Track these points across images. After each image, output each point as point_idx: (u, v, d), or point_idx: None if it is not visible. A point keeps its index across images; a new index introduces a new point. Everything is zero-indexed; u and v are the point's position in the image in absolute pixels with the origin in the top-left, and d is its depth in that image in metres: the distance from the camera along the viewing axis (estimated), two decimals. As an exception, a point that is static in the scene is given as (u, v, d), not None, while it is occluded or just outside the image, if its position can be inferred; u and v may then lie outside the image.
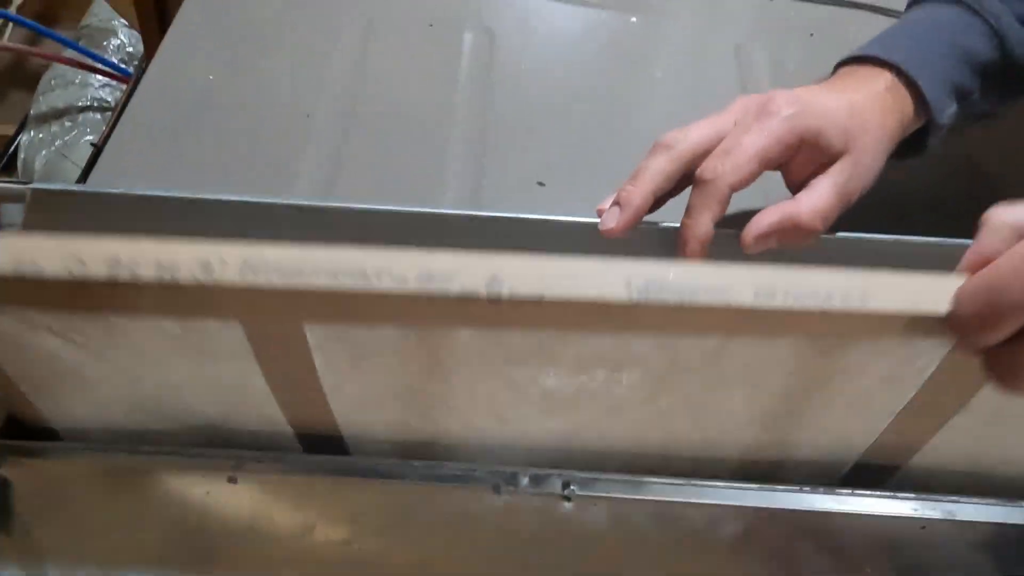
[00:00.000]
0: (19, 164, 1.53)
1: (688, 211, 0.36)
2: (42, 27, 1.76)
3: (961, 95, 0.41)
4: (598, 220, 0.36)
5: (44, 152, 1.50)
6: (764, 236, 0.35)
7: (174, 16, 0.58)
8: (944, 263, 0.28)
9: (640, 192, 0.36)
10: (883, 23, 0.49)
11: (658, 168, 0.36)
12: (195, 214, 0.37)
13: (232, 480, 0.34)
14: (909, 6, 0.45)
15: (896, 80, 0.39)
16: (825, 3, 0.63)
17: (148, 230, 0.32)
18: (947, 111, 0.40)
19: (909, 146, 0.41)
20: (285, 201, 0.37)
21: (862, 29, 0.52)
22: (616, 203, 0.36)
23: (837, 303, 0.26)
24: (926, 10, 0.43)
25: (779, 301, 0.26)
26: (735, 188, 0.35)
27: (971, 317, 0.26)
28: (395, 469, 0.35)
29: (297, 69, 0.55)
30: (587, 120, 0.53)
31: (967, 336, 0.26)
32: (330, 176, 0.48)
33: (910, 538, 0.35)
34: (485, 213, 0.38)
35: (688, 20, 0.62)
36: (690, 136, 0.37)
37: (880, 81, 0.39)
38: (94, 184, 0.46)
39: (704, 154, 0.36)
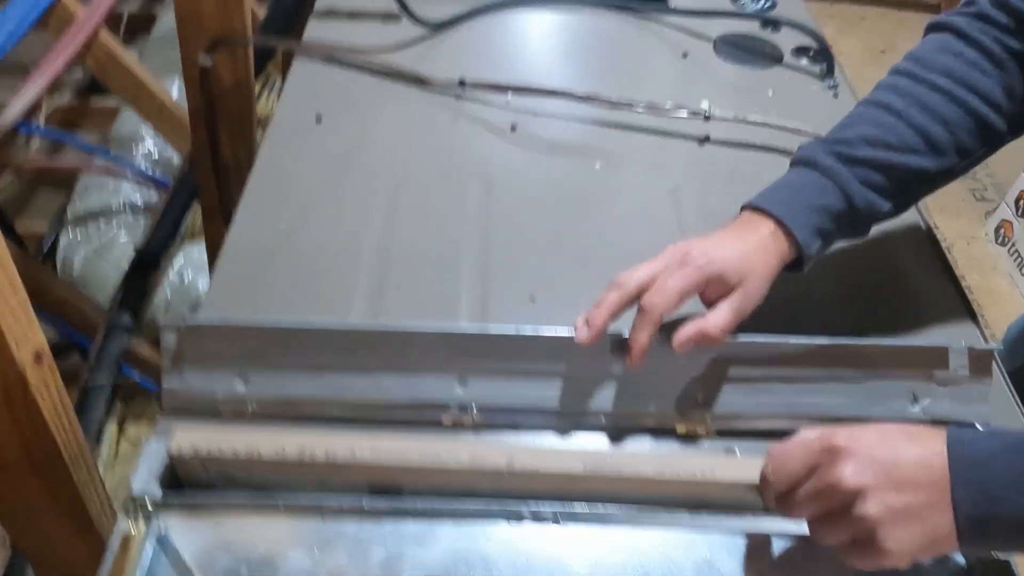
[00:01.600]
0: (58, 263, 1.70)
1: (632, 329, 0.54)
2: (72, 138, 1.95)
3: (823, 235, 0.59)
4: (573, 331, 0.55)
5: (83, 252, 1.67)
6: (685, 343, 0.54)
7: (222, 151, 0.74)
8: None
9: (601, 316, 0.55)
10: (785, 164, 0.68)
11: (613, 301, 0.55)
12: (303, 338, 0.54)
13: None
14: (791, 166, 0.63)
15: (777, 228, 0.58)
16: (743, 148, 0.83)
17: (269, 352, 0.51)
18: (813, 247, 0.58)
19: (791, 267, 0.60)
20: (355, 327, 0.55)
21: (770, 168, 0.71)
22: (585, 323, 0.55)
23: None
24: (798, 173, 0.61)
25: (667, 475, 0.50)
26: (664, 314, 0.54)
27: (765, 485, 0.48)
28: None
29: (345, 217, 0.73)
30: (564, 247, 0.72)
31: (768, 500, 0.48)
32: (374, 298, 0.66)
33: None
34: (494, 331, 0.56)
35: (637, 165, 0.81)
36: (634, 277, 0.55)
37: (765, 228, 0.58)
38: (204, 317, 0.63)
39: (643, 290, 0.55)
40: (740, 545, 0.54)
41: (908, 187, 0.60)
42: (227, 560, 0.52)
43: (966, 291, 0.71)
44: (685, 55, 0.96)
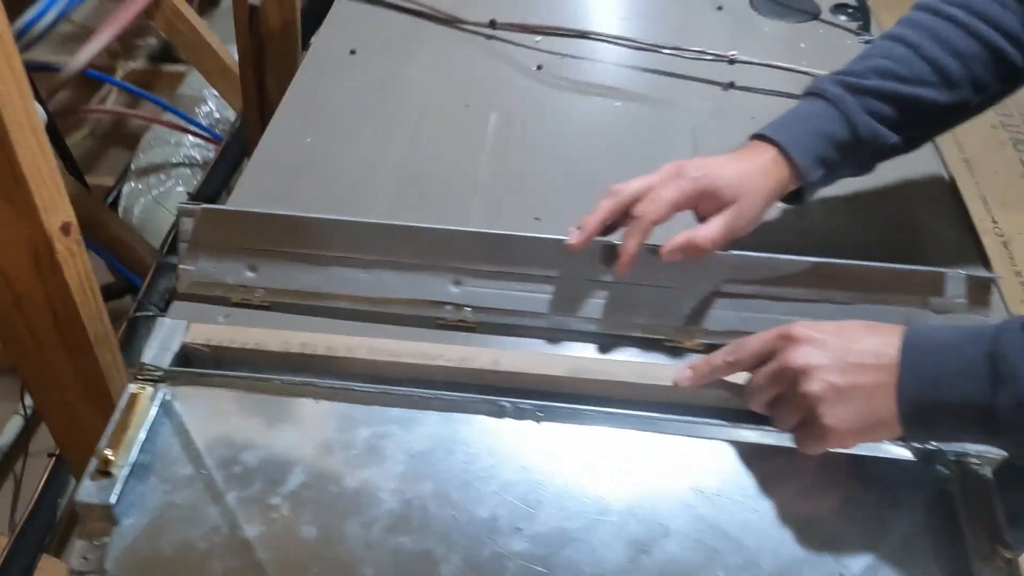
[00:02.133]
0: (120, 211, 1.79)
1: (624, 236, 0.56)
2: (144, 92, 2.05)
3: (826, 163, 0.59)
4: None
5: (143, 200, 1.76)
6: (673, 251, 0.55)
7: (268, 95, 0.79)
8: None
9: (593, 221, 0.56)
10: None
11: (606, 207, 0.56)
12: (311, 229, 0.57)
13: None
14: (801, 97, 0.63)
15: (779, 154, 0.58)
16: (768, 94, 0.83)
17: (277, 241, 0.54)
18: (815, 174, 0.59)
19: (795, 197, 0.60)
20: (366, 220, 0.58)
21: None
22: (577, 227, 0.56)
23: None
24: (805, 103, 0.62)
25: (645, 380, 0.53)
26: (655, 222, 0.55)
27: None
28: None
29: (370, 138, 0.76)
30: (575, 176, 0.73)
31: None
32: (391, 208, 0.69)
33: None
34: (488, 232, 0.58)
35: (658, 106, 0.82)
36: (629, 187, 0.57)
37: (767, 155, 0.58)
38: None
39: (637, 200, 0.56)
40: (724, 448, 0.55)
41: (918, 120, 0.60)
42: (224, 428, 0.55)
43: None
44: (720, 8, 0.96)
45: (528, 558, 0.50)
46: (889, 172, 0.71)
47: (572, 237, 0.56)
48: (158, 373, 0.56)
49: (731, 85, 0.84)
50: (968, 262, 0.67)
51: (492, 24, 0.88)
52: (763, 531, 0.52)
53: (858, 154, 0.60)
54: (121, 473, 0.51)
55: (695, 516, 0.52)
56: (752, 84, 0.84)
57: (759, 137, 0.60)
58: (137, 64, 2.50)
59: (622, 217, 0.57)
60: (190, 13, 1.69)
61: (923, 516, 0.52)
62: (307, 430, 0.55)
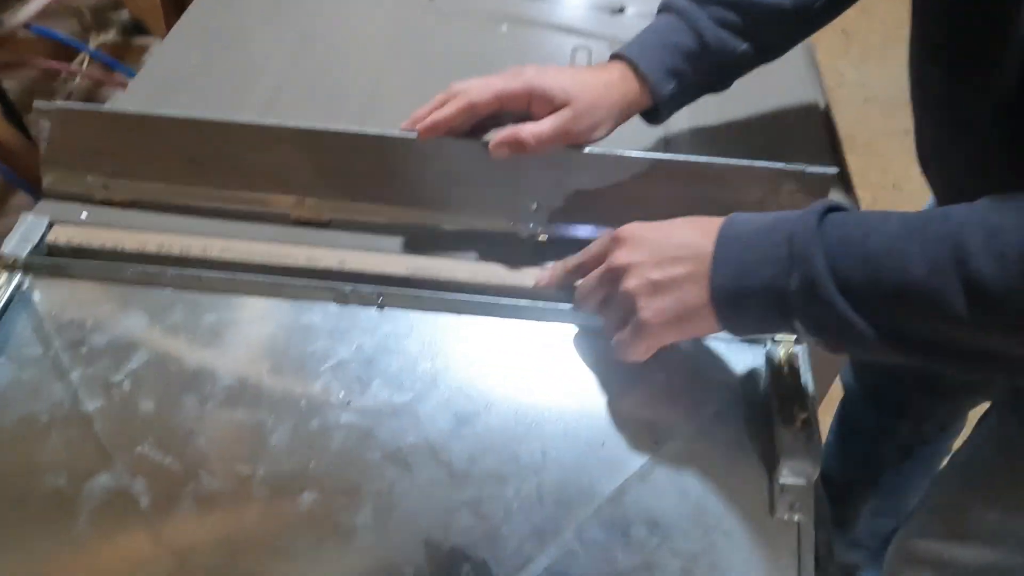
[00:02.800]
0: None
1: (441, 108, 0.57)
2: (115, 62, 2.07)
3: (677, 75, 0.59)
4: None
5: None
6: (498, 145, 0.56)
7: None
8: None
9: (425, 111, 0.58)
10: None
11: (440, 98, 0.58)
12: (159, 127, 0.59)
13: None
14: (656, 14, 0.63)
15: (627, 69, 0.59)
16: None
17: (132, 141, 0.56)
18: (666, 88, 0.59)
19: (654, 115, 0.61)
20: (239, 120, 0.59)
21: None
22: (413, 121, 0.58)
23: None
24: (657, 20, 0.62)
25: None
26: (474, 103, 0.56)
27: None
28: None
29: (255, 55, 0.78)
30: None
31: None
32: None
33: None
34: (320, 128, 0.59)
35: (544, 29, 0.83)
36: (465, 84, 0.58)
37: (615, 70, 0.59)
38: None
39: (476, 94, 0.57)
40: (552, 329, 0.57)
41: (765, 26, 0.60)
42: (76, 313, 0.58)
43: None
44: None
45: (354, 428, 0.52)
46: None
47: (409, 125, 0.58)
48: (14, 261, 0.58)
49: (621, 10, 0.85)
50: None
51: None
52: (582, 405, 0.54)
53: (709, 64, 0.60)
54: (-34, 350, 0.54)
55: (519, 391, 0.54)
56: (644, 10, 0.85)
57: (613, 57, 0.60)
58: (109, 37, 2.53)
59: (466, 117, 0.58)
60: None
61: (736, 391, 0.54)
62: (156, 315, 0.58)
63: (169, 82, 0.75)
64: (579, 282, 0.54)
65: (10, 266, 0.58)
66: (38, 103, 0.60)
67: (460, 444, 0.52)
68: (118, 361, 0.55)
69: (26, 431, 0.52)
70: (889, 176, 2.05)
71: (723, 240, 0.46)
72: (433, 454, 0.51)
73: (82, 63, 2.30)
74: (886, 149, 2.14)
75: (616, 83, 0.58)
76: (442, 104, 0.58)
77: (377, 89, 0.76)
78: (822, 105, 0.76)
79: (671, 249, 0.48)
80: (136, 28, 2.52)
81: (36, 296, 0.59)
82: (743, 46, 0.60)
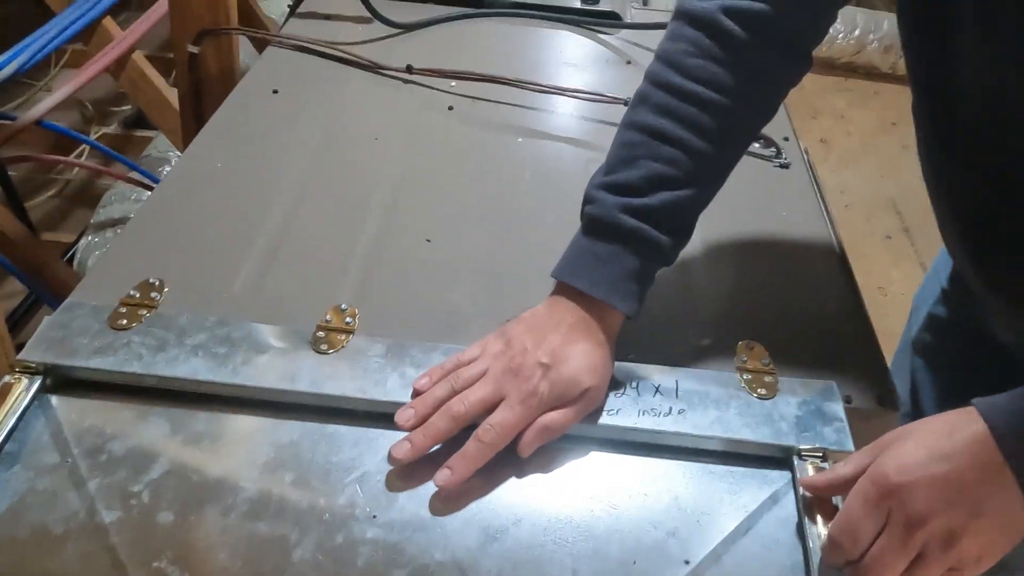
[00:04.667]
0: (75, 263, 1.81)
1: (462, 454, 0.53)
2: (114, 152, 2.11)
3: (642, 293, 0.58)
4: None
5: (97, 253, 1.78)
6: (529, 444, 0.54)
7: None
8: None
9: (426, 444, 0.54)
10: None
11: (442, 430, 0.54)
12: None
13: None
14: (590, 224, 0.58)
15: (604, 306, 0.56)
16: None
17: None
18: (635, 308, 0.57)
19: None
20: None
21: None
22: (409, 443, 0.54)
23: None
24: (604, 247, 0.57)
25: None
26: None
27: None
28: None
29: (276, 165, 0.80)
30: (467, 201, 0.77)
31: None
32: (289, 219, 0.72)
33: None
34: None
35: (557, 142, 0.87)
36: (469, 406, 0.54)
37: (593, 313, 0.56)
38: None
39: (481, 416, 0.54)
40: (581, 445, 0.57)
41: (699, 207, 0.60)
42: (95, 420, 0.57)
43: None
44: (629, 62, 1.02)
45: (380, 544, 0.51)
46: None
47: (402, 454, 0.54)
48: (35, 366, 0.58)
49: (630, 126, 0.89)
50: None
51: (408, 69, 0.94)
52: (611, 521, 0.53)
53: (667, 263, 0.60)
54: (-17, 458, 0.52)
55: (546, 506, 0.54)
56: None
57: (575, 293, 0.57)
58: (111, 129, 2.58)
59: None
60: (153, 74, 1.76)
61: (765, 508, 0.54)
62: (176, 424, 0.57)
63: (191, 190, 0.77)
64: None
65: (30, 371, 0.58)
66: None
67: (488, 562, 0.51)
68: (137, 471, 0.54)
69: (41, 542, 0.50)
70: (873, 278, 2.11)
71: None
72: (461, 573, 0.50)
73: (81, 154, 2.34)
74: (869, 252, 2.21)
75: (600, 334, 0.57)
76: (445, 435, 0.55)
77: (397, 193, 0.78)
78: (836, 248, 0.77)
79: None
80: (138, 121, 2.58)
81: (56, 401, 0.58)
82: (690, 233, 0.60)
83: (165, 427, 0.57)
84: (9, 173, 1.56)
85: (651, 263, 0.58)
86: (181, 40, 1.07)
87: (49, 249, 1.71)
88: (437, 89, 0.94)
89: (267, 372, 0.58)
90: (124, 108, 2.58)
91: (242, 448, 0.56)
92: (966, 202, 0.60)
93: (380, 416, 0.57)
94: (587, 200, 0.59)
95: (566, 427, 0.55)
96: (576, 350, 0.55)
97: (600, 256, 0.57)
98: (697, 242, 0.74)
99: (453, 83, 0.94)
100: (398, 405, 0.56)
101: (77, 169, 2.34)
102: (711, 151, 0.57)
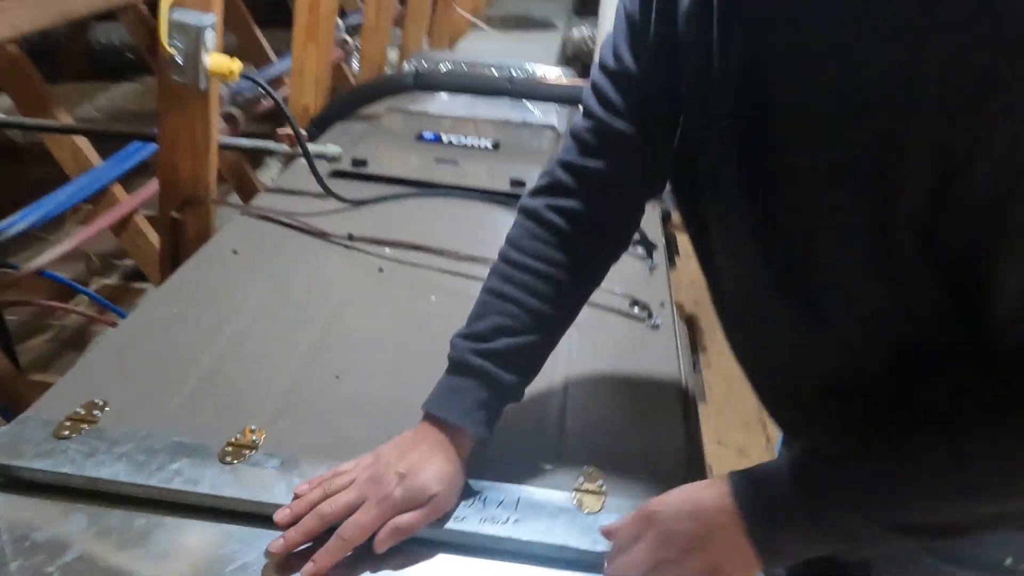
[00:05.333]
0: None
1: (323, 552, 0.63)
2: (110, 304, 2.29)
3: (490, 419, 0.70)
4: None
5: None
6: (383, 542, 0.65)
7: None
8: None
9: (297, 541, 0.65)
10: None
11: (311, 529, 0.65)
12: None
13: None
14: (450, 365, 0.71)
15: (456, 430, 0.69)
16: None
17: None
18: (486, 432, 0.69)
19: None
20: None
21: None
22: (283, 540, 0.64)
23: None
24: (459, 380, 0.70)
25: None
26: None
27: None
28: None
29: (218, 312, 0.96)
30: (380, 344, 0.91)
31: None
32: (222, 363, 0.86)
33: None
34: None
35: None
36: (338, 509, 0.65)
37: (446, 435, 0.68)
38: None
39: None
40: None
41: (540, 352, 0.74)
42: (26, 514, 0.68)
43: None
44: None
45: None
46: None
47: (277, 547, 0.64)
48: (-15, 467, 0.70)
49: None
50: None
51: (350, 236, 1.12)
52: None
53: (512, 396, 0.72)
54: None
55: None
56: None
57: (434, 418, 0.69)
58: (111, 280, 2.79)
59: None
60: (151, 233, 1.97)
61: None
62: (94, 517, 0.68)
63: (151, 323, 0.92)
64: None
65: (-20, 470, 0.70)
66: None
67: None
68: (52, 556, 0.64)
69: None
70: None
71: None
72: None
73: (79, 303, 2.52)
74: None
75: (451, 450, 0.68)
76: (315, 532, 0.65)
77: (321, 337, 0.92)
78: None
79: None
80: (136, 274, 2.79)
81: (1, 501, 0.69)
82: (533, 373, 0.73)
83: (84, 521, 0.68)
84: (7, 317, 1.72)
85: (498, 396, 0.71)
86: (167, 207, 1.26)
87: (35, 389, 1.84)
88: (372, 254, 1.11)
89: (175, 477, 0.70)
90: (125, 262, 2.81)
91: (144, 541, 0.66)
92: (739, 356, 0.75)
93: (265, 518, 0.68)
94: (450, 347, 0.73)
95: (415, 528, 0.66)
96: (430, 464, 0.67)
97: (456, 389, 0.71)
98: (559, 380, 0.87)
99: (387, 249, 1.12)
100: (279, 507, 0.68)
101: (73, 316, 2.51)
102: (544, 308, 0.72)
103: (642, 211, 0.76)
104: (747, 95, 0.57)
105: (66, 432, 0.74)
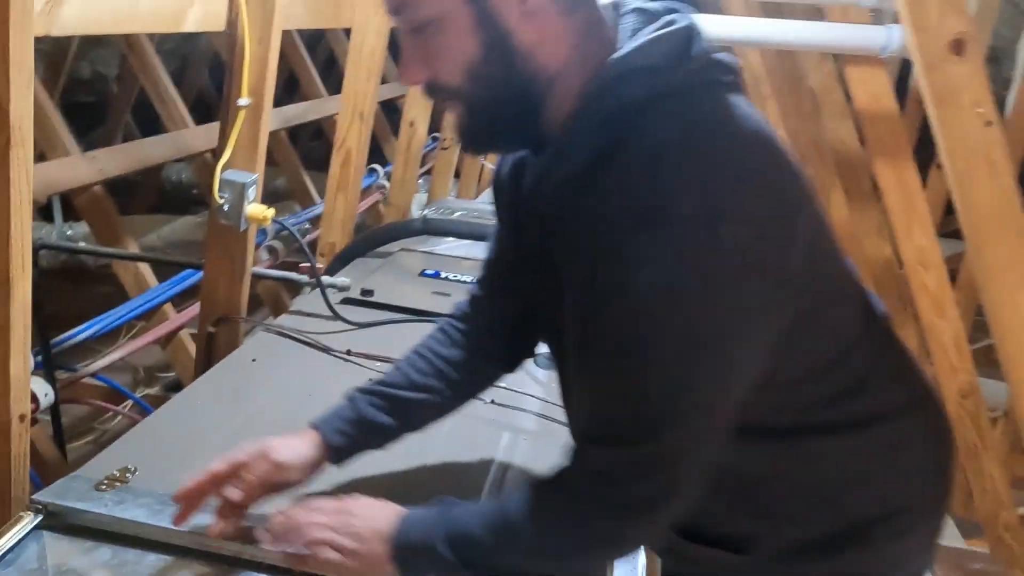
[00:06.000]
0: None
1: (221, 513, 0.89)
2: (151, 409, 2.53)
3: (342, 433, 0.92)
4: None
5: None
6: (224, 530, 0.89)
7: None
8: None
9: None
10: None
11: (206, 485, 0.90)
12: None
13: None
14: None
15: (316, 433, 0.92)
16: (522, 410, 1.24)
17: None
18: (335, 439, 0.91)
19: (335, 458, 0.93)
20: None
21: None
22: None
23: None
24: (341, 405, 0.95)
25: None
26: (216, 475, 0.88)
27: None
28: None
29: (233, 411, 1.18)
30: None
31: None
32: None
33: None
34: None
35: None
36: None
37: (310, 436, 0.92)
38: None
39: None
40: None
41: (407, 410, 0.94)
42: (70, 551, 0.88)
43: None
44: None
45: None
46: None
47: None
48: (40, 505, 0.91)
49: (491, 401, 1.26)
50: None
51: (348, 352, 1.36)
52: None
53: (368, 430, 0.93)
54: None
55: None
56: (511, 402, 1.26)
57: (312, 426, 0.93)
58: (154, 390, 3.07)
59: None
60: (193, 348, 2.24)
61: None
62: (115, 553, 0.88)
63: (178, 413, 1.15)
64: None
65: (37, 508, 0.91)
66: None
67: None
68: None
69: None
70: None
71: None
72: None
73: (126, 407, 2.79)
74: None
75: (307, 441, 0.91)
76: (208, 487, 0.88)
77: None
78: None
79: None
80: (176, 386, 3.07)
81: (45, 535, 0.90)
82: (387, 420, 0.94)
83: (108, 554, 0.88)
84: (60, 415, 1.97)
85: (354, 417, 0.93)
86: (205, 322, 1.53)
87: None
88: (366, 367, 1.34)
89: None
90: (167, 375, 3.09)
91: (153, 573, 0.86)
92: None
93: (245, 562, 0.87)
94: None
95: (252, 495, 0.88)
96: (292, 446, 0.92)
97: (335, 408, 0.95)
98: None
99: (378, 364, 1.35)
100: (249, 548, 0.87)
101: (118, 420, 2.77)
102: (425, 381, 0.95)
103: (506, 361, 1.01)
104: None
105: (103, 487, 0.96)
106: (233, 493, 0.87)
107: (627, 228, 0.66)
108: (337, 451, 0.92)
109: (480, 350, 0.97)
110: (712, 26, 1.95)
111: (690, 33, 0.71)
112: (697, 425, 0.71)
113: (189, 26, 1.19)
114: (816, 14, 2.08)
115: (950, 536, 2.31)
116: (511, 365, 1.02)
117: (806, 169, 0.76)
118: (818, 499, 0.82)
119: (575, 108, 0.71)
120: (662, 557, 0.94)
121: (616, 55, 0.70)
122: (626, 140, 0.68)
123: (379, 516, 0.82)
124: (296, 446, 0.90)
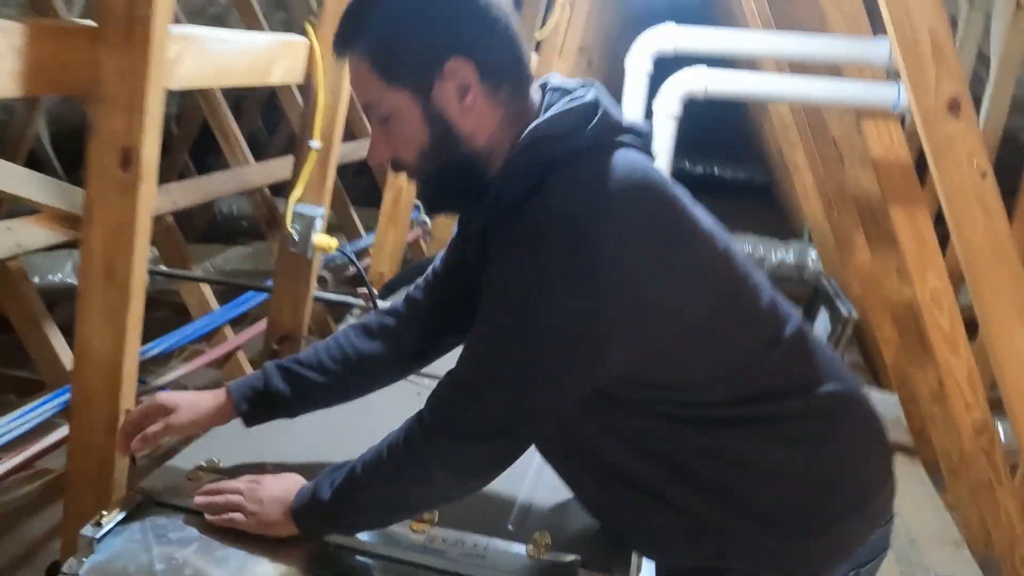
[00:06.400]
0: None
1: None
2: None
3: (249, 400, 1.10)
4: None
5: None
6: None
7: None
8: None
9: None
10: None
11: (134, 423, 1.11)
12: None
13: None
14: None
15: (226, 393, 1.11)
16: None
17: None
18: (243, 404, 1.10)
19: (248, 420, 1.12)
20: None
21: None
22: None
23: None
24: (264, 371, 1.12)
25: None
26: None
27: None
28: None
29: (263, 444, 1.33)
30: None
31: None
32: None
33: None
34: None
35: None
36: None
37: (223, 393, 1.11)
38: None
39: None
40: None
41: (309, 389, 1.11)
42: (172, 520, 1.03)
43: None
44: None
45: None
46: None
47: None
48: (140, 491, 1.07)
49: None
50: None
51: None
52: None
53: (273, 395, 1.10)
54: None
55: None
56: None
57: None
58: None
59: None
60: (248, 368, 2.41)
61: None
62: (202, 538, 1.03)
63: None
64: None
65: (139, 492, 1.06)
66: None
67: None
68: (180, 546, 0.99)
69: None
70: None
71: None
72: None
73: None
74: None
75: (214, 399, 1.11)
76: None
77: (373, 432, 1.28)
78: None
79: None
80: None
81: (149, 516, 1.05)
82: (288, 393, 1.11)
83: (196, 532, 1.03)
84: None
85: (260, 384, 1.11)
86: (270, 340, 1.69)
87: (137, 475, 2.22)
88: (413, 382, 1.48)
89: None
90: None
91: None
92: None
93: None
94: None
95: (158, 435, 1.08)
96: (193, 398, 1.14)
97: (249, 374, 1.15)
98: (533, 470, 1.20)
99: (426, 380, 1.49)
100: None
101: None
102: (335, 368, 1.13)
103: (416, 356, 1.19)
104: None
105: (193, 477, 1.11)
106: (135, 444, 1.09)
107: (523, 244, 0.86)
108: (246, 415, 1.10)
109: (396, 344, 1.14)
110: (738, 81, 2.11)
111: (593, 106, 0.91)
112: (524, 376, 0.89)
113: (275, 79, 1.37)
114: (836, 71, 2.22)
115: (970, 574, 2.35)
116: (420, 361, 1.20)
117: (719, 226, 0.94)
118: (739, 486, 0.94)
119: (503, 165, 0.92)
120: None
121: (532, 125, 0.90)
122: (537, 187, 0.88)
123: (283, 486, 1.00)
124: (200, 404, 1.09)
